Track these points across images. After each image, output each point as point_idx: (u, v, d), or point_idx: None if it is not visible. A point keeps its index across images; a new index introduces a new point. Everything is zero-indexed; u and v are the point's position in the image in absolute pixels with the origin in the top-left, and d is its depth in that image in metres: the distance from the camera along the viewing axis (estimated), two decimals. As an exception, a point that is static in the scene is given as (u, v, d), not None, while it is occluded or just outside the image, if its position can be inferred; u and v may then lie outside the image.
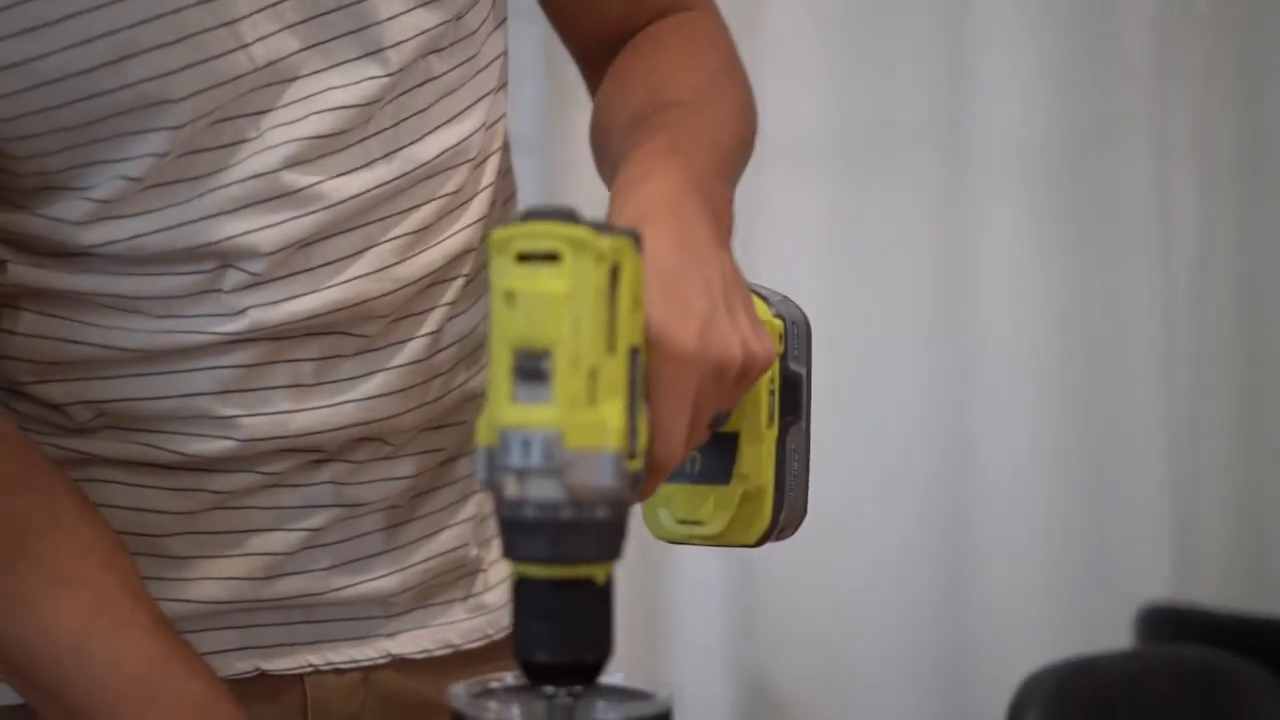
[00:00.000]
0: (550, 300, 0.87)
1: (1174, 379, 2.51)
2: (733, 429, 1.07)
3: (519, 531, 0.88)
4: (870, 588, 2.42)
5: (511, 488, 0.87)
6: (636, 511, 0.95)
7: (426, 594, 1.18)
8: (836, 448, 2.33)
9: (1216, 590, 2.47)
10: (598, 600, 0.89)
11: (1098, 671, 1.93)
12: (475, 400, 1.19)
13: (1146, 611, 2.27)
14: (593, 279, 0.87)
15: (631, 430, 0.89)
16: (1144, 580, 2.44)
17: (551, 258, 0.87)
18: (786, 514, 1.08)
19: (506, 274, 0.88)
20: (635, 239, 0.90)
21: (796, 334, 1.09)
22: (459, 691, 0.90)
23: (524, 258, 0.88)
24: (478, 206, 1.15)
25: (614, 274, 0.89)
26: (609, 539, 0.89)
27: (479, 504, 1.21)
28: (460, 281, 1.15)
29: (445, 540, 1.19)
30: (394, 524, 1.16)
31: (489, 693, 0.91)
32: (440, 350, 1.14)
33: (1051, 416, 2.48)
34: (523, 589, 0.89)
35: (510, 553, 0.89)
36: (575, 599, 0.88)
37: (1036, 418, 2.47)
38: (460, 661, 1.20)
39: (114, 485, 1.09)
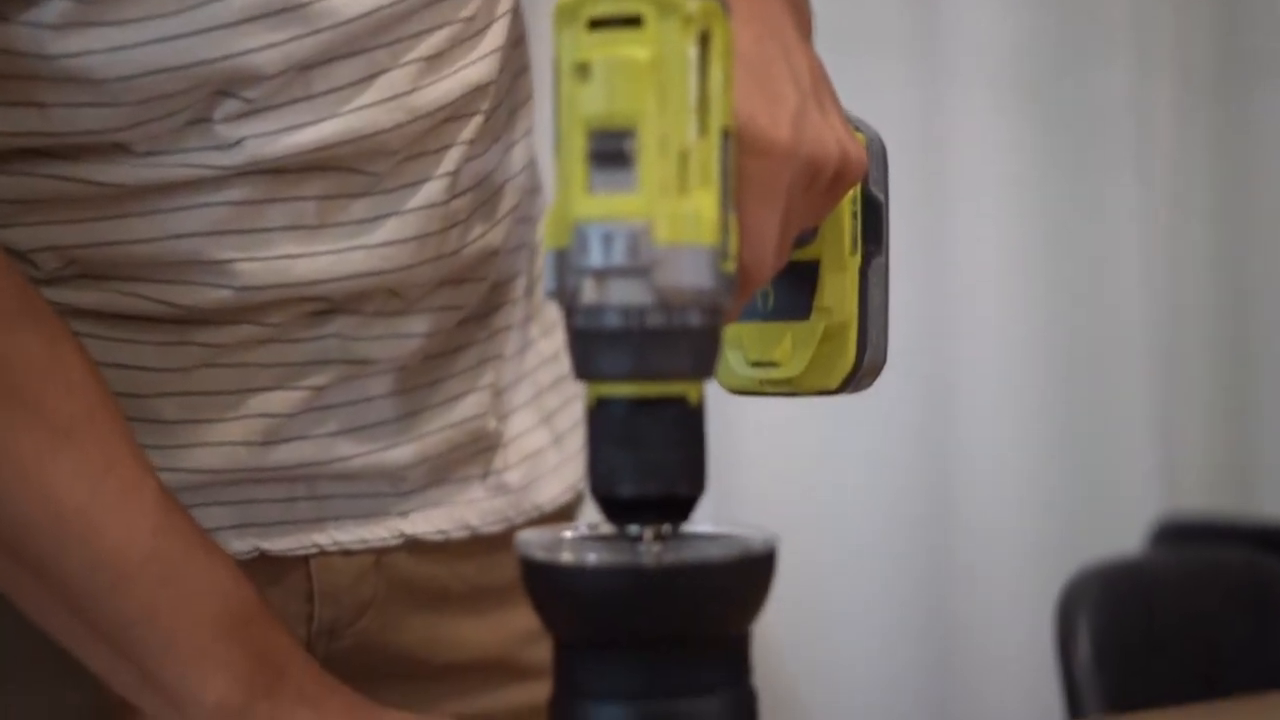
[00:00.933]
0: (633, 69, 0.74)
1: (1154, 286, 2.42)
2: (812, 256, 0.95)
3: (598, 343, 0.75)
4: (851, 518, 2.30)
5: (590, 292, 0.74)
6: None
7: (442, 469, 1.06)
8: None
9: (1206, 504, 2.41)
10: (691, 423, 0.76)
11: (1142, 574, 1.84)
12: (496, 256, 1.07)
13: (1165, 524, 2.17)
14: (680, 45, 0.74)
15: (724, 227, 0.76)
16: (1135, 497, 2.35)
17: (632, 21, 0.74)
18: (870, 356, 0.96)
19: (578, 44, 0.75)
20: (723, 3, 0.77)
21: (876, 155, 0.97)
22: (529, 538, 0.77)
23: (598, 24, 0.75)
24: (494, 36, 1.03)
25: (703, 41, 0.76)
26: (702, 351, 0.76)
27: (498, 371, 1.09)
28: (478, 119, 1.02)
29: (462, 409, 1.06)
30: (405, 388, 1.03)
31: (561, 542, 0.78)
32: (457, 195, 1.02)
33: (1031, 325, 2.37)
34: (601, 412, 0.76)
35: (586, 370, 0.76)
36: (666, 421, 0.76)
37: (1016, 325, 2.36)
38: (479, 547, 1.08)
39: (90, 340, 0.95)
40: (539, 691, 0.80)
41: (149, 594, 0.87)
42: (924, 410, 2.32)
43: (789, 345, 0.94)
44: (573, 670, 0.77)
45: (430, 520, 1.06)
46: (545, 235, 0.76)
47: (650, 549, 0.76)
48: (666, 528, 0.76)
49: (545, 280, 0.77)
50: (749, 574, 0.76)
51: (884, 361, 0.99)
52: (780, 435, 2.24)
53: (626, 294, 0.74)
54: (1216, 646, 1.76)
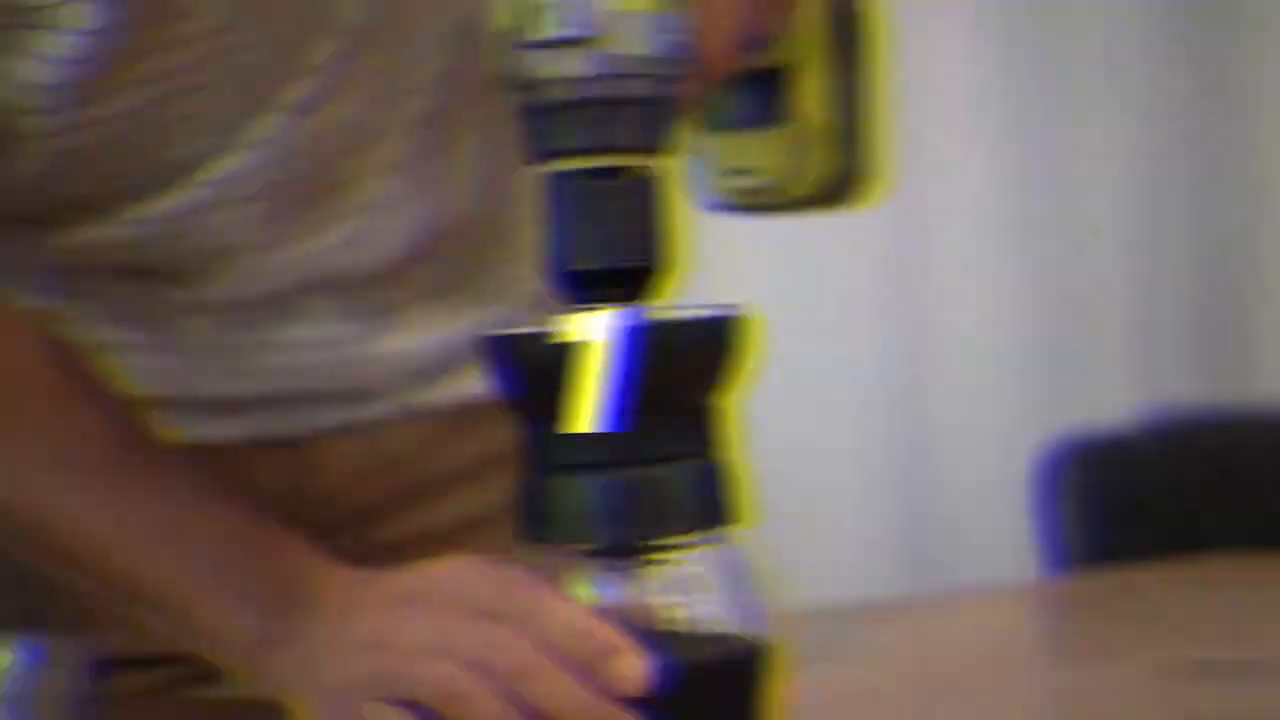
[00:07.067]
0: None
1: (1133, 180, 2.41)
2: (786, 62, 0.94)
3: (548, 118, 0.75)
4: (828, 387, 2.28)
5: (538, 65, 0.74)
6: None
7: None
8: (788, 260, 2.21)
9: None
10: (647, 195, 0.76)
11: (1119, 441, 1.84)
12: None
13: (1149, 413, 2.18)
14: None
15: None
16: (1112, 385, 2.34)
17: None
18: (852, 165, 0.96)
19: None
20: None
21: None
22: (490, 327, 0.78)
23: None
24: None
25: None
26: (654, 123, 0.75)
27: None
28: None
29: None
30: None
31: (521, 324, 0.78)
32: None
33: (1012, 261, 2.35)
34: (555, 189, 0.76)
35: (539, 146, 0.76)
36: (620, 193, 0.75)
37: (995, 256, 2.34)
38: None
39: None
40: None
41: (136, 560, 0.86)
42: (900, 290, 2.31)
43: (765, 151, 0.94)
44: (539, 445, 0.77)
45: None
46: (494, 19, 0.76)
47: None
48: (628, 306, 0.76)
49: (498, 66, 0.77)
50: (710, 338, 0.76)
51: (869, 175, 0.98)
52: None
53: (575, 64, 0.74)
54: (1191, 510, 1.75)
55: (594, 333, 0.73)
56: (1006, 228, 2.34)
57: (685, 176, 0.98)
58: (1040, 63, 2.37)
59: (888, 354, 2.29)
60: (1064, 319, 2.37)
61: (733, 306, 0.77)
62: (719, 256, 2.11)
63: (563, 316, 0.76)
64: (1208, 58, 2.46)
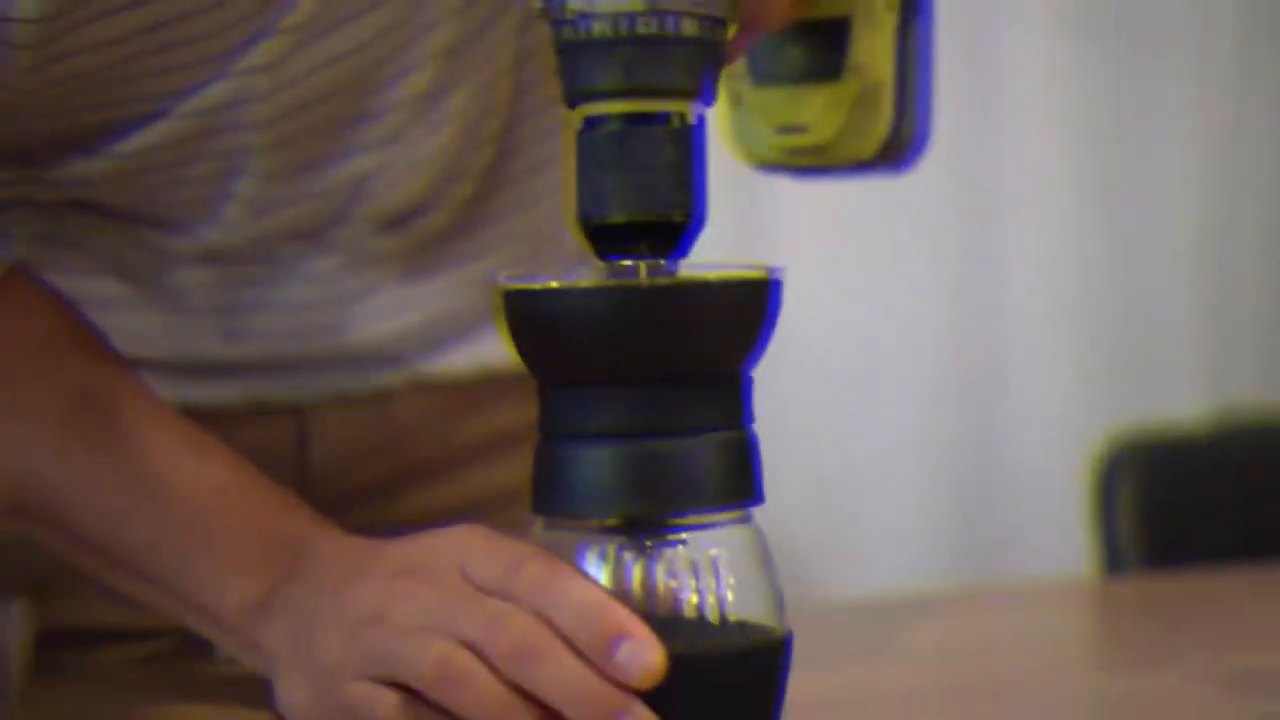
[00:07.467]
0: None
1: (1209, 172, 2.32)
2: (843, 13, 0.88)
3: (584, 57, 0.69)
4: (889, 378, 2.21)
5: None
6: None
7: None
8: (849, 238, 2.16)
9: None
10: (686, 143, 0.70)
11: (1183, 439, 1.77)
12: None
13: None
14: None
15: None
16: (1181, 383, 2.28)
17: None
18: (908, 125, 0.89)
19: None
20: None
21: None
22: (507, 275, 0.72)
23: None
24: None
25: None
26: (697, 66, 0.70)
27: None
28: None
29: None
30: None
31: (544, 277, 0.72)
32: None
33: (1083, 249, 2.28)
34: (589, 134, 0.70)
35: (574, 85, 0.70)
36: (657, 140, 0.70)
37: (1066, 244, 2.28)
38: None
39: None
40: None
41: (150, 522, 0.81)
42: (966, 273, 2.25)
43: (819, 107, 0.88)
44: (556, 410, 0.71)
45: None
46: (534, -54, 0.71)
47: (641, 273, 0.70)
48: (661, 262, 0.71)
49: None
50: (746, 300, 0.70)
51: (926, 137, 0.92)
52: (822, 299, 2.17)
53: (615, -1, 0.69)
54: (1259, 513, 1.68)
55: (626, 292, 0.68)
56: (1079, 214, 2.27)
57: (730, 133, 0.92)
58: (1121, 49, 2.30)
59: (950, 337, 2.23)
60: (1133, 312, 2.30)
61: (764, 267, 0.71)
62: (777, 230, 2.08)
63: (588, 269, 0.71)
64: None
